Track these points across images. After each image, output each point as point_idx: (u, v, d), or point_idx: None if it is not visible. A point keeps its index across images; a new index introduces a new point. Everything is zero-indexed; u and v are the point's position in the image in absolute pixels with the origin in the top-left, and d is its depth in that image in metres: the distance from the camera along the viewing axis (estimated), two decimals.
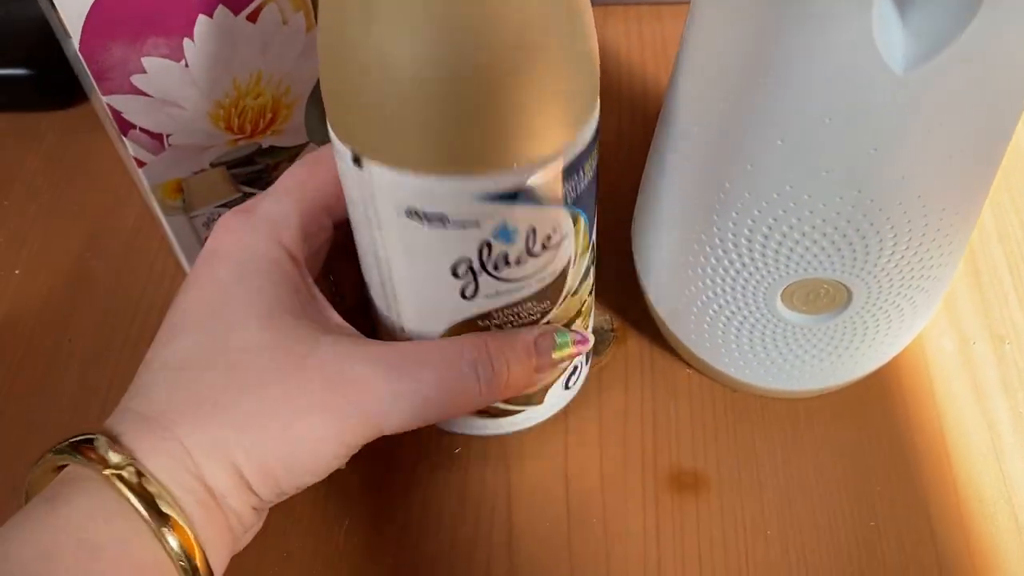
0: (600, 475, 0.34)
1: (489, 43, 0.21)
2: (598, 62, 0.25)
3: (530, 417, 0.33)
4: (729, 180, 0.28)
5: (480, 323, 0.28)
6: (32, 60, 0.45)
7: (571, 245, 0.27)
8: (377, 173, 0.24)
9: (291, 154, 0.36)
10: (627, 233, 0.39)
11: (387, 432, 0.27)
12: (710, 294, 0.32)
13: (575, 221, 0.27)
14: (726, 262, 0.30)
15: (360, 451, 0.35)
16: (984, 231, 0.41)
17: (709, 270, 0.31)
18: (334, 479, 0.34)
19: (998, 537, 0.33)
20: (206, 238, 0.29)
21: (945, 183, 0.27)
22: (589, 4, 0.24)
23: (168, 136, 0.33)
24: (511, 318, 0.28)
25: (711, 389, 0.36)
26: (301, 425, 0.26)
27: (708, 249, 0.31)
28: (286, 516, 0.33)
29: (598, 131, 0.26)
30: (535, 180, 0.24)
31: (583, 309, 0.31)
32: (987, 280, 0.40)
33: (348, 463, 0.34)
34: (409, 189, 0.24)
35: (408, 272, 0.27)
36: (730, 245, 0.30)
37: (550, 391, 0.32)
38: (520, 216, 0.25)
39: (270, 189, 0.29)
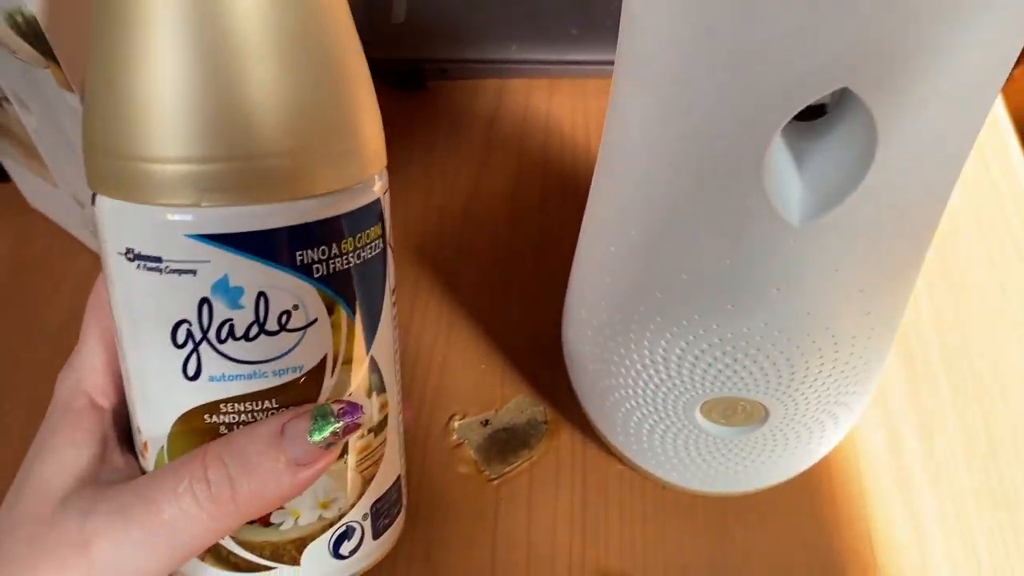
0: (527, 574, 0.34)
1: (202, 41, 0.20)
2: (371, 126, 0.24)
3: None
4: (641, 303, 0.28)
5: (207, 419, 0.23)
6: None
7: (326, 340, 0.23)
8: (101, 205, 0.22)
9: None
10: (560, 327, 0.39)
11: None
12: (633, 402, 0.32)
13: (331, 309, 0.23)
14: (646, 376, 0.30)
15: None
16: (918, 315, 0.41)
17: (630, 380, 0.31)
18: None
19: None
20: None
21: (854, 315, 0.27)
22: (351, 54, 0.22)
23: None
24: (246, 419, 0.23)
25: (641, 485, 0.36)
26: None
27: (628, 362, 0.31)
28: None
29: (375, 222, 0.24)
30: (258, 223, 0.21)
31: (357, 446, 0.25)
32: (920, 370, 0.40)
33: None
34: (126, 222, 0.22)
35: (131, 340, 0.23)
36: (648, 361, 0.30)
37: (308, 551, 0.25)
38: (243, 271, 0.22)
39: (83, 332, 0.28)
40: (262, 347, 0.22)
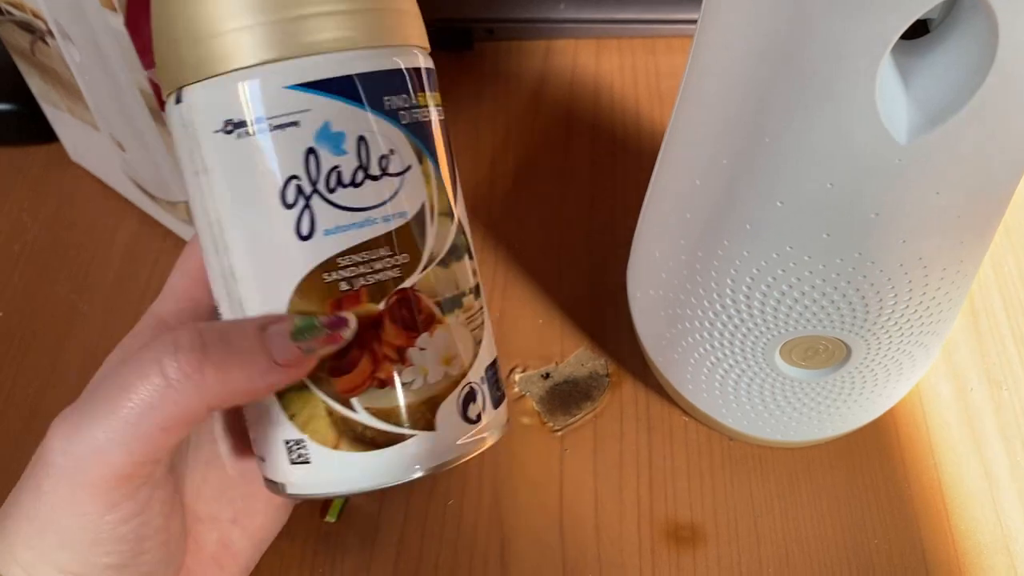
0: (595, 526, 0.34)
1: None
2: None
3: (413, 450, 0.24)
4: (727, 238, 0.28)
5: (327, 277, 0.23)
6: (17, 95, 0.44)
7: (422, 187, 0.24)
8: (191, 95, 0.23)
9: None
10: (621, 277, 0.38)
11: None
12: (707, 347, 0.32)
13: (420, 158, 0.24)
14: (724, 317, 0.30)
15: (347, 509, 0.34)
16: (982, 275, 0.41)
17: (707, 323, 0.31)
18: (321, 537, 0.33)
19: None
20: None
21: (947, 244, 0.26)
22: None
23: None
24: (364, 271, 0.23)
25: (708, 437, 0.36)
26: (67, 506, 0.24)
27: (706, 303, 0.30)
28: (273, 572, 0.32)
29: (428, 90, 0.25)
30: (351, 68, 0.23)
31: (464, 302, 0.25)
32: (985, 325, 0.39)
33: (339, 520, 0.34)
34: (224, 96, 0.22)
35: (238, 220, 0.23)
36: (728, 301, 0.29)
37: (440, 412, 0.25)
38: (342, 116, 0.23)
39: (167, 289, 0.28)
40: (369, 192, 0.23)
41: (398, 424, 0.24)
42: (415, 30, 0.25)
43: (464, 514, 0.34)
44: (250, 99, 0.22)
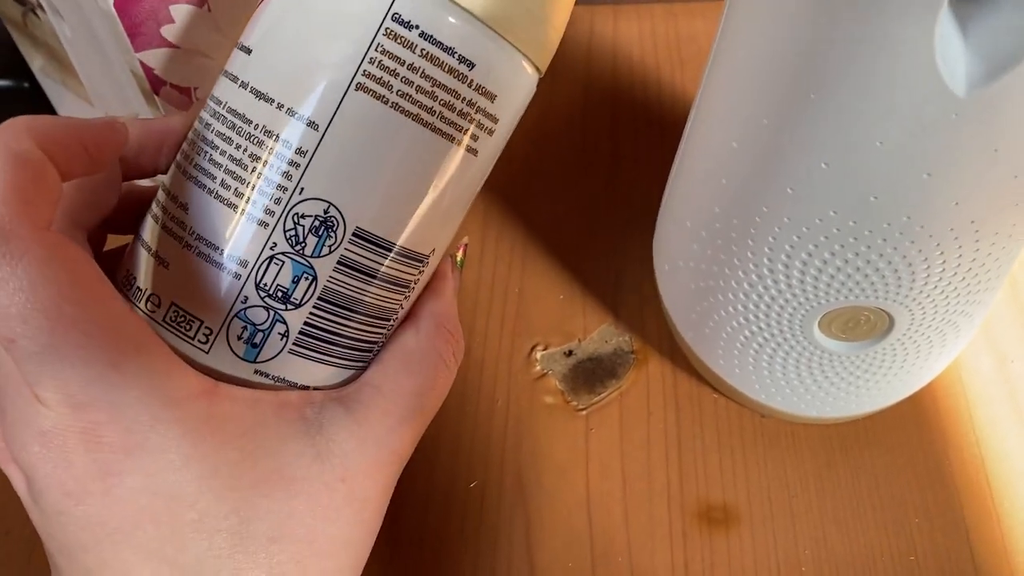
0: (624, 509, 0.33)
1: None
2: None
3: None
4: (767, 203, 0.26)
5: None
6: (17, 70, 0.42)
7: None
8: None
9: None
10: (646, 250, 0.37)
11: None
12: (741, 320, 0.30)
13: None
14: (760, 288, 0.29)
15: None
16: None
17: (741, 295, 0.29)
18: None
19: None
20: None
21: (1002, 207, 0.25)
22: None
23: (195, 89, 0.33)
24: None
25: (739, 414, 0.35)
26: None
27: (741, 274, 0.29)
28: None
29: None
30: None
31: None
32: None
33: None
34: None
35: None
36: (765, 271, 0.28)
37: None
38: None
39: None
40: None
41: None
42: None
43: (487, 496, 0.33)
44: None
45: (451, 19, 0.20)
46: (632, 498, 0.33)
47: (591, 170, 0.42)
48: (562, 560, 0.31)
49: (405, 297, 0.23)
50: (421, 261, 0.23)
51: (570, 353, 0.36)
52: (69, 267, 0.19)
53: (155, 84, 0.32)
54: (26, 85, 0.43)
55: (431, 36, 0.20)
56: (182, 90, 0.32)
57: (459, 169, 0.22)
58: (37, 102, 0.43)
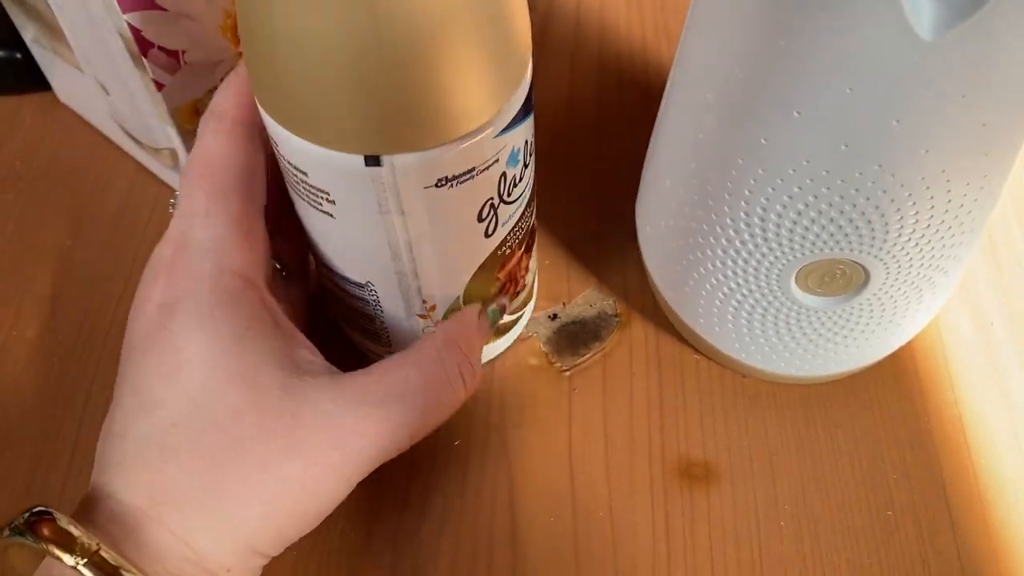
0: (606, 466, 0.33)
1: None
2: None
3: (506, 339, 0.35)
4: (742, 155, 0.27)
5: (498, 253, 0.29)
6: (9, 41, 0.43)
7: (533, 153, 0.29)
8: (398, 160, 0.24)
9: None
10: (630, 213, 0.37)
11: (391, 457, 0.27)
12: (719, 277, 0.31)
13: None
14: (737, 243, 0.29)
15: None
16: (1002, 208, 0.40)
17: (719, 252, 0.30)
18: None
19: (1021, 524, 0.31)
20: None
21: (971, 155, 0.25)
22: None
23: (183, 53, 0.33)
24: (515, 236, 0.29)
25: (720, 375, 0.35)
26: (306, 485, 0.25)
27: (718, 230, 0.29)
28: None
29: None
30: (525, 93, 0.26)
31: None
32: (1005, 257, 0.38)
33: None
34: (438, 161, 0.24)
35: (435, 239, 0.27)
36: (742, 225, 0.28)
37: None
38: (522, 134, 0.26)
39: (192, 203, 0.27)
40: (526, 177, 0.28)
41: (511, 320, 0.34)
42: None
43: (471, 455, 0.33)
44: (467, 156, 0.24)
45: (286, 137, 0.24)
46: (614, 456, 0.33)
47: (576, 135, 0.42)
48: (544, 516, 0.32)
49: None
50: (362, 286, 0.29)
51: (554, 316, 0.37)
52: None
53: (143, 46, 0.32)
54: (18, 56, 0.43)
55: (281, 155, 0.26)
56: (170, 53, 0.33)
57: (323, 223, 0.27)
58: (29, 72, 0.43)
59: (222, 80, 0.33)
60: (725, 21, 0.25)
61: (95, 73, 0.37)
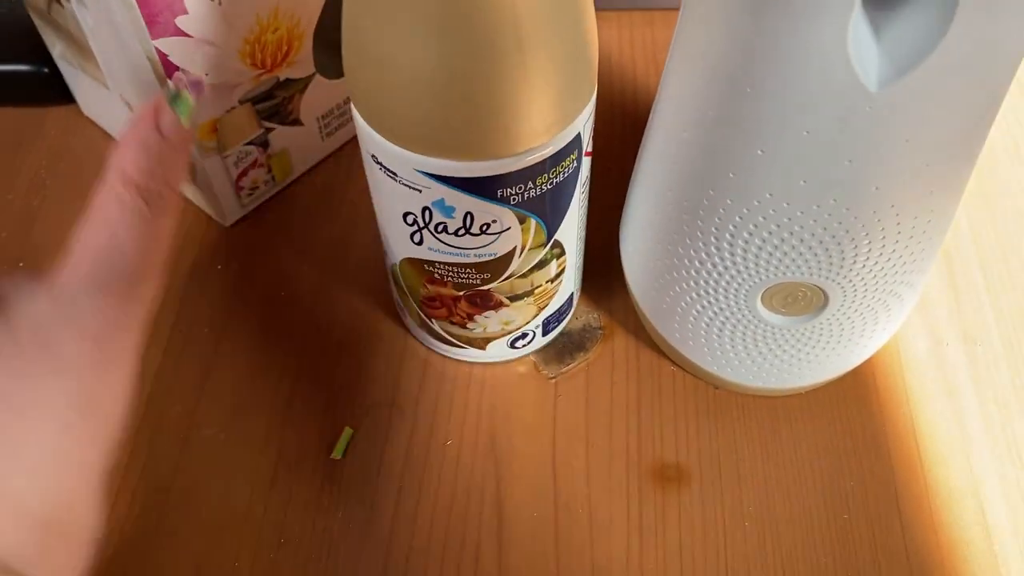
0: (586, 467, 0.36)
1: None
2: (535, 104, 0.26)
3: (471, 355, 0.38)
4: (712, 186, 0.29)
5: (426, 267, 0.32)
6: (36, 56, 0.46)
7: (517, 237, 0.30)
8: (358, 119, 0.28)
9: (301, 85, 0.41)
10: (614, 235, 0.40)
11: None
12: (693, 295, 0.33)
13: (522, 221, 0.30)
14: (709, 265, 0.32)
15: (352, 447, 0.36)
16: (959, 234, 0.43)
17: (693, 272, 0.33)
18: (327, 474, 0.35)
19: (965, 528, 0.34)
20: (237, 176, 0.35)
21: (918, 192, 0.28)
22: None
23: (205, 76, 0.36)
24: (452, 274, 0.32)
25: (694, 386, 0.38)
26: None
27: (692, 252, 0.32)
28: (282, 506, 0.34)
29: (573, 152, 0.29)
30: (467, 173, 0.27)
31: (536, 291, 0.34)
32: (961, 281, 0.41)
33: (345, 457, 0.35)
34: (373, 140, 0.28)
35: (377, 204, 0.31)
36: (713, 249, 0.31)
37: (491, 345, 0.37)
38: (454, 198, 0.28)
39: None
40: (467, 241, 0.30)
41: (459, 342, 0.37)
42: (558, 123, 0.27)
43: (462, 455, 0.36)
44: (392, 161, 0.28)
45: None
46: (593, 458, 0.36)
47: None
48: (528, 511, 0.35)
49: None
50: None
51: None
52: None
53: (168, 69, 0.35)
54: (45, 70, 0.46)
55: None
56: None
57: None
58: (55, 86, 0.46)
59: (240, 101, 0.36)
60: (698, 67, 0.28)
61: (121, 91, 0.40)
